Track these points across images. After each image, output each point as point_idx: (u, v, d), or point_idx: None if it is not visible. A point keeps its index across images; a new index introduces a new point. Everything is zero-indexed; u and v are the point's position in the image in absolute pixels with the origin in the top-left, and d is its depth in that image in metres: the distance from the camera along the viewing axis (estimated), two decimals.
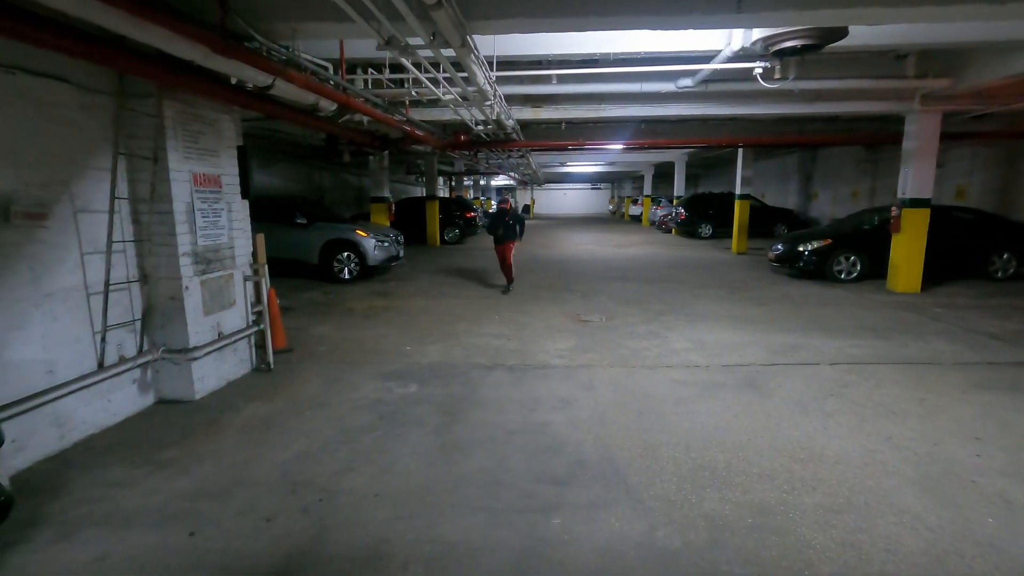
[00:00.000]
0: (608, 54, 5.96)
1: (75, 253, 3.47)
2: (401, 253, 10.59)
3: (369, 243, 9.68)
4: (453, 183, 27.69)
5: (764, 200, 19.47)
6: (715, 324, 6.53)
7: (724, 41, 5.37)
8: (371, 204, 13.31)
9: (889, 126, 10.24)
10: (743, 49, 5.05)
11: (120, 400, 3.81)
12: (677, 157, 19.90)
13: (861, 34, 5.19)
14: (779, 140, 11.59)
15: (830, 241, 9.63)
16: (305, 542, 2.48)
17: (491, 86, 5.73)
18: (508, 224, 8.54)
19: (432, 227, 16.64)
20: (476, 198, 30.90)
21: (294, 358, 5.28)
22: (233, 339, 4.57)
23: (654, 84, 7.18)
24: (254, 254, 5.00)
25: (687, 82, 6.95)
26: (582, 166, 26.49)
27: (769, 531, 2.56)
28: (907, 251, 8.42)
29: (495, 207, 14.05)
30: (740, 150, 13.96)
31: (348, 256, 9.73)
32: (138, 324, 3.98)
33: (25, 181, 3.14)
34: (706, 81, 6.93)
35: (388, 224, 12.64)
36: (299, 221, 9.89)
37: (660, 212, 22.29)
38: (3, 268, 3.03)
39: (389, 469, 3.17)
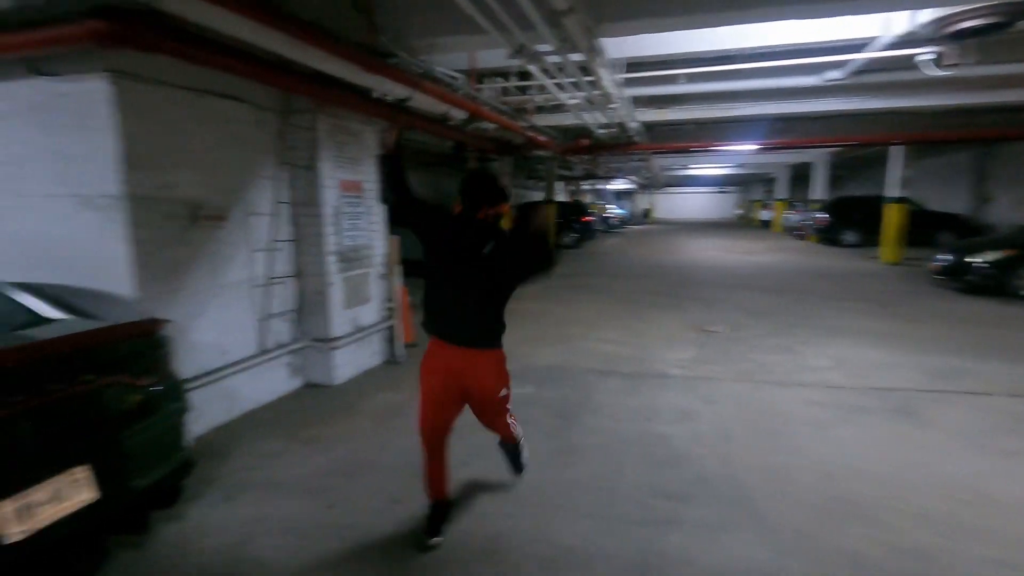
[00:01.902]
0: (743, 49, 5.61)
1: (244, 251, 4.00)
2: None
3: None
4: (571, 187, 27.72)
5: (923, 204, 17.11)
6: (859, 341, 5.87)
7: (882, 27, 4.82)
8: None
9: None
10: (907, 34, 4.49)
11: (275, 381, 4.32)
12: (817, 157, 18.19)
13: None
14: (949, 136, 10.10)
15: (1015, 251, 8.20)
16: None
17: (617, 89, 5.66)
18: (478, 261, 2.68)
19: (550, 232, 16.77)
20: (594, 202, 30.65)
21: (420, 352, 5.61)
22: (368, 332, 4.98)
23: (795, 78, 6.64)
24: (389, 255, 5.41)
25: (835, 74, 6.33)
26: (708, 168, 25.20)
27: None
28: None
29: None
30: (895, 148, 12.40)
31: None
32: (292, 315, 4.48)
33: (210, 188, 3.68)
34: (859, 72, 6.26)
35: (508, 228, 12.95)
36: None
37: (795, 217, 20.51)
38: (190, 263, 3.57)
39: (504, 467, 3.24)
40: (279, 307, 4.33)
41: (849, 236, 16.61)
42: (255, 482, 3.07)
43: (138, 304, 3.13)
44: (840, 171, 22.19)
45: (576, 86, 5.75)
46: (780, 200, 24.75)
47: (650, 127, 10.32)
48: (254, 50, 3.27)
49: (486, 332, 2.44)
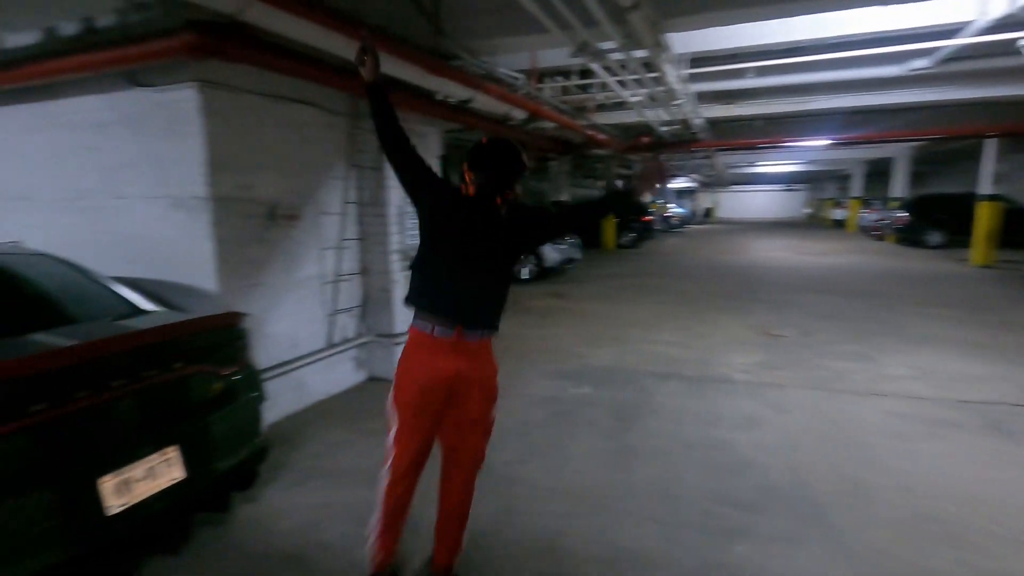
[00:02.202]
0: (819, 39, 5.33)
1: (315, 248, 4.19)
2: (578, 256, 10.76)
3: (547, 245, 10.00)
4: None
5: (1019, 202, 15.64)
6: (946, 350, 5.45)
7: (977, 10, 4.45)
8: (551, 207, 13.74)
9: None
10: (1007, 16, 4.13)
11: (342, 373, 4.49)
12: (898, 152, 17.02)
13: None
14: None
15: None
16: (488, 524, 2.65)
17: (681, 84, 5.52)
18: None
19: (608, 231, 16.58)
20: (653, 201, 29.98)
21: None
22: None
23: (875, 69, 6.26)
24: None
25: (922, 63, 5.90)
26: (775, 165, 24.09)
27: None
28: None
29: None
30: (987, 141, 11.41)
31: (526, 257, 10.18)
32: (357, 310, 4.65)
33: (285, 189, 3.88)
34: (948, 60, 5.81)
35: None
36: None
37: (871, 216, 19.28)
38: (266, 259, 3.77)
39: (563, 466, 3.24)
40: (346, 303, 4.50)
41: (933, 237, 15.44)
42: (323, 470, 3.21)
43: (220, 298, 3.35)
44: (923, 167, 20.68)
45: (639, 83, 5.65)
46: (855, 198, 23.33)
47: (715, 123, 10.00)
48: (325, 56, 3.42)
49: (491, 314, 2.01)
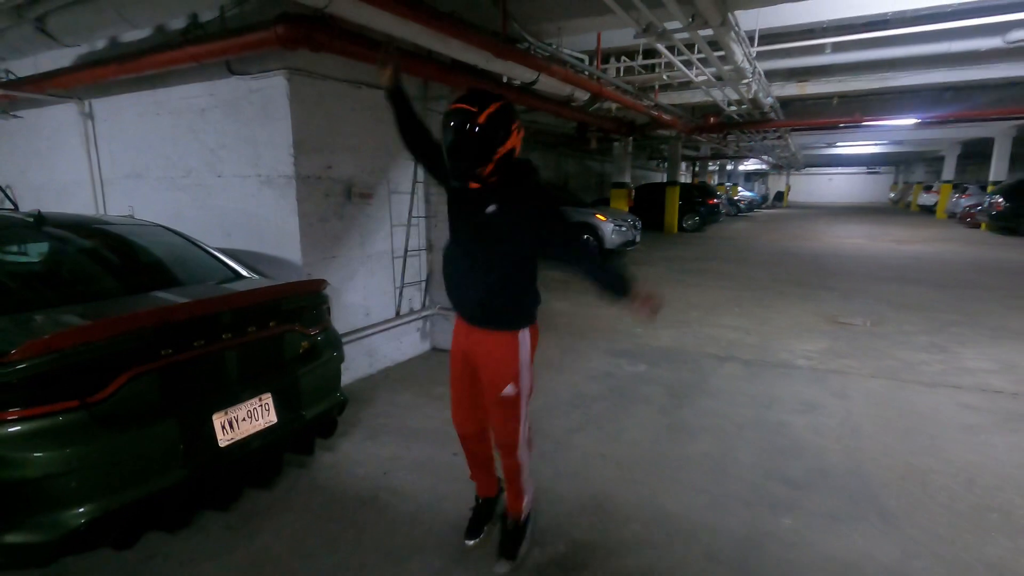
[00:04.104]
0: (903, 12, 5.05)
1: (387, 225, 4.47)
2: (638, 238, 10.68)
3: (607, 227, 10.00)
4: (697, 168, 26.42)
5: None
6: None
7: None
8: (612, 189, 13.64)
9: None
10: None
11: (408, 343, 4.80)
12: (999, 132, 15.60)
13: None
14: None
15: None
16: (541, 481, 2.84)
17: (750, 63, 5.38)
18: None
19: (671, 213, 16.25)
20: (721, 184, 28.94)
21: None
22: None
23: (968, 41, 5.82)
24: None
25: (1022, 34, 5.44)
26: (856, 146, 22.63)
27: None
28: None
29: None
30: None
31: (587, 238, 10.22)
32: (423, 284, 4.93)
33: (361, 169, 4.16)
34: None
35: (627, 209, 12.81)
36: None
37: (964, 202, 17.82)
38: (345, 233, 4.08)
39: (616, 437, 3.38)
40: (413, 277, 4.79)
41: None
42: (392, 427, 3.51)
43: (303, 268, 3.68)
44: None
45: (705, 62, 5.55)
46: (946, 182, 21.58)
47: (788, 102, 9.57)
48: (401, 43, 3.63)
49: (490, 308, 2.02)
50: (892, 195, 34.48)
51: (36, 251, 2.87)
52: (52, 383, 1.81)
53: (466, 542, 2.35)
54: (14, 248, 2.83)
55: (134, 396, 1.98)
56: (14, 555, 1.81)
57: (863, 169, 37.99)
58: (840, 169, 38.07)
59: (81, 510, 1.82)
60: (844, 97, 9.43)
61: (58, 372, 1.81)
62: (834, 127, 11.96)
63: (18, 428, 1.77)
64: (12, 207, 4.55)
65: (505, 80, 4.90)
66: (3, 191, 4.87)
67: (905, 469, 2.97)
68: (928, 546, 2.35)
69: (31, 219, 2.71)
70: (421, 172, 4.75)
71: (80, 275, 2.77)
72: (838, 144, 21.53)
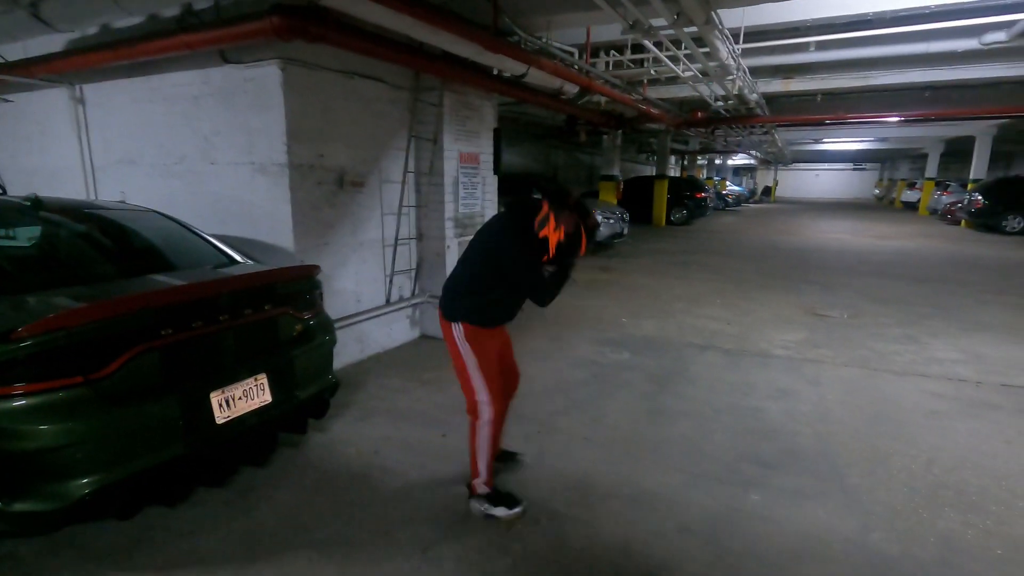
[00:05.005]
0: (883, 12, 5.19)
1: (378, 213, 4.55)
2: (626, 231, 10.82)
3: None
4: (685, 162, 26.62)
5: None
6: (1003, 337, 5.33)
7: None
8: (600, 182, 13.76)
9: None
10: None
11: (398, 330, 4.90)
12: (979, 131, 15.92)
13: None
14: None
15: None
16: (528, 460, 2.97)
17: (734, 60, 5.51)
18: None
19: (659, 207, 16.41)
20: (709, 178, 29.17)
21: (523, 316, 5.96)
22: None
23: (947, 42, 5.99)
24: None
25: (998, 36, 5.62)
26: (843, 143, 22.94)
27: (1022, 567, 2.20)
28: None
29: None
30: None
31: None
32: (413, 273, 5.03)
33: (353, 158, 4.23)
34: None
35: (615, 202, 12.94)
36: (535, 196, 10.82)
37: (946, 199, 18.22)
38: (335, 222, 4.16)
39: (598, 420, 3.51)
40: (403, 265, 4.88)
41: (1014, 222, 14.50)
42: (382, 410, 3.62)
43: (295, 255, 3.76)
44: (1010, 146, 19.21)
45: (691, 58, 5.67)
46: (929, 179, 21.96)
47: (773, 99, 9.73)
48: (393, 35, 3.71)
49: (450, 297, 2.51)
50: (877, 191, 34.97)
51: (33, 235, 2.93)
52: (58, 360, 1.90)
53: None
54: (11, 232, 2.88)
55: (136, 374, 2.06)
56: (23, 522, 1.90)
57: (849, 165, 38.48)
58: (827, 165, 38.53)
59: (86, 481, 1.92)
60: (828, 94, 9.62)
61: (64, 350, 1.90)
62: (819, 124, 12.17)
63: (25, 402, 1.85)
64: (1, 191, 4.57)
65: (496, 72, 4.98)
66: None
67: (870, 451, 3.14)
68: (885, 519, 2.52)
69: (28, 203, 2.76)
70: (412, 162, 4.83)
71: (77, 258, 2.83)
72: (824, 140, 21.81)
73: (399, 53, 3.85)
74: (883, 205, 30.31)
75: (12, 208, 2.83)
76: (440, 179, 4.84)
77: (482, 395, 2.49)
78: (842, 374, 4.36)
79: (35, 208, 2.77)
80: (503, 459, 2.84)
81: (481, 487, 2.53)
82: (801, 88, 7.98)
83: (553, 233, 2.30)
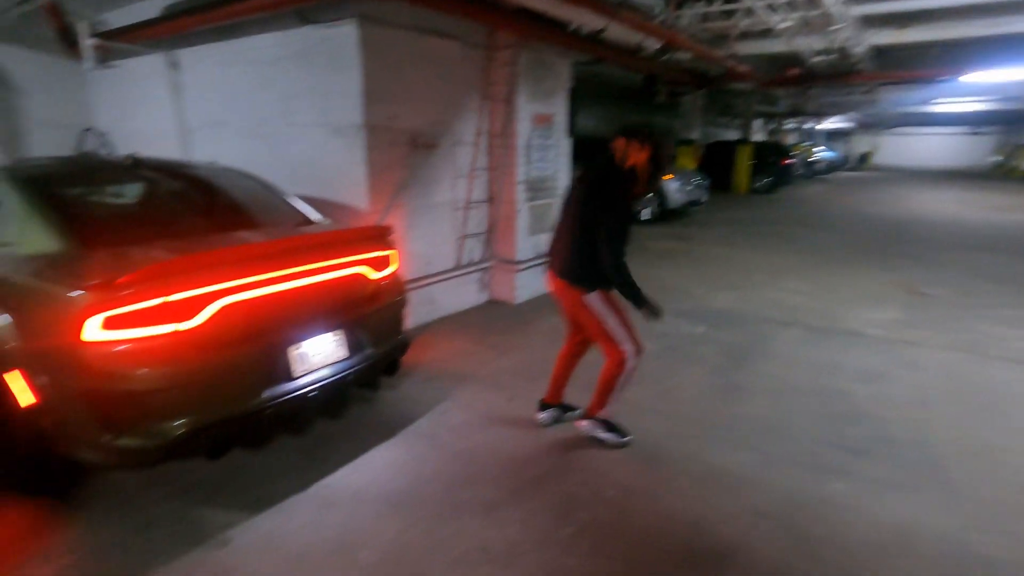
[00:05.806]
0: None
1: (449, 176, 4.54)
2: (704, 198, 10.31)
3: (672, 185, 9.67)
4: (772, 126, 24.77)
5: None
6: None
7: None
8: (678, 146, 13.10)
9: None
10: None
11: (466, 293, 4.94)
12: None
13: None
14: None
15: None
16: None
17: (841, 7, 4.95)
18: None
19: (741, 173, 15.46)
20: (798, 143, 27.07)
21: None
22: (546, 259, 5.35)
23: None
24: None
25: None
26: (957, 103, 20.43)
27: None
28: None
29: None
30: None
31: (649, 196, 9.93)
32: (483, 236, 5.02)
33: (425, 119, 4.22)
34: None
35: (694, 168, 12.32)
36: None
37: None
38: (409, 183, 4.19)
39: (668, 393, 3.40)
40: (473, 229, 4.87)
41: None
42: (449, 371, 3.67)
43: (369, 215, 3.83)
44: None
45: (792, 5, 5.15)
46: None
47: (882, 52, 8.74)
48: None
49: (568, 266, 2.72)
50: (998, 158, 31.10)
51: (132, 192, 3.14)
52: (155, 309, 2.02)
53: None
54: (114, 189, 3.10)
55: (222, 325, 2.18)
56: (127, 456, 2.08)
57: (966, 129, 34.27)
58: (936, 129, 34.46)
59: (181, 421, 2.06)
60: (947, 45, 8.48)
61: (160, 299, 2.02)
62: (933, 80, 10.84)
63: (128, 347, 2.00)
64: (108, 152, 4.94)
65: (573, 28, 4.75)
66: (96, 137, 5.27)
67: (974, 443, 2.85)
68: (989, 519, 2.28)
69: (128, 163, 2.95)
70: (486, 123, 4.75)
71: (171, 214, 3.01)
72: (937, 100, 19.52)
73: (475, 7, 3.74)
74: (1002, 174, 27.05)
75: (115, 167, 3.03)
76: (512, 141, 4.75)
77: (626, 344, 2.69)
78: (944, 358, 3.97)
79: (134, 168, 2.96)
80: (565, 409, 3.05)
81: (601, 413, 2.79)
82: (916, 39, 7.07)
83: (639, 155, 2.56)
